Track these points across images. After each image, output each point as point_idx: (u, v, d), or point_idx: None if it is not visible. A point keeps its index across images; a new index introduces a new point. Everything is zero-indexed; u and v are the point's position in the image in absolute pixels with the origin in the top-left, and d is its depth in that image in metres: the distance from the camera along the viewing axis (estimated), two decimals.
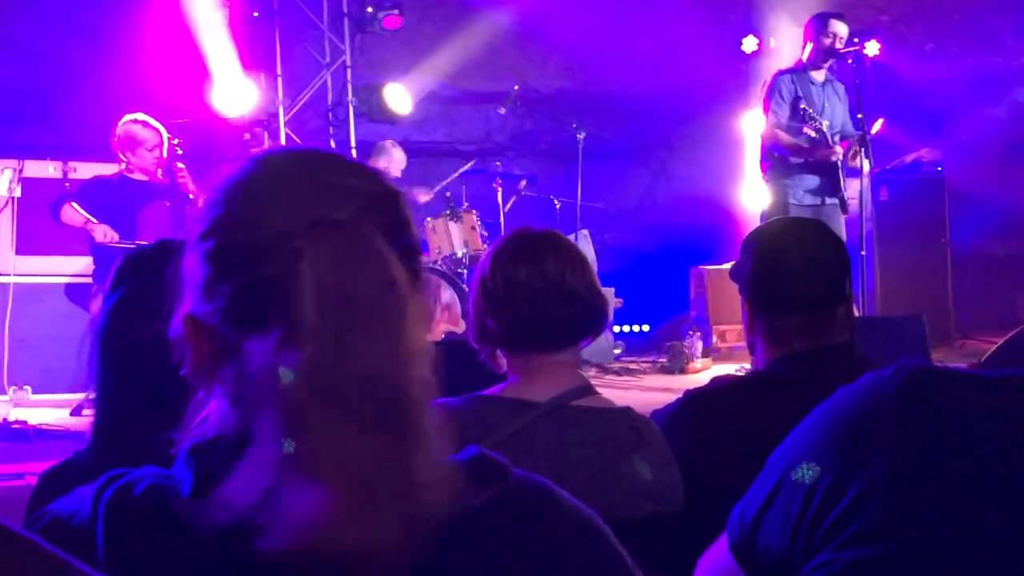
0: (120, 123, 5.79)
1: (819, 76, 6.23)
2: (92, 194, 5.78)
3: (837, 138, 6.18)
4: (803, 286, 1.94)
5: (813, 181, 6.14)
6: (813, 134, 6.02)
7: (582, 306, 1.86)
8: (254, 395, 0.82)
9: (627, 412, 1.91)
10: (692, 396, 2.08)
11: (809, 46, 6.22)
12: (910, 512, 0.94)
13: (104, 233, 5.64)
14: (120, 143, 5.77)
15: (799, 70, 6.24)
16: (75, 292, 6.40)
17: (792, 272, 1.95)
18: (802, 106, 6.05)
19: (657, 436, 1.89)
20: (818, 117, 6.04)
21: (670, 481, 1.84)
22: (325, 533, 0.75)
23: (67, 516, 0.87)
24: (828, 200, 6.14)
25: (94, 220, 5.65)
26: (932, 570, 0.94)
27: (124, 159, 5.76)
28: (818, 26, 6.17)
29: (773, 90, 6.20)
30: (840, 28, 6.13)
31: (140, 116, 5.82)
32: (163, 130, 5.79)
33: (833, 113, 6.25)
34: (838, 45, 6.12)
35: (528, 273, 1.82)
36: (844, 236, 5.60)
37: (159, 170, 5.77)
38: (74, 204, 5.74)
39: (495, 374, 2.15)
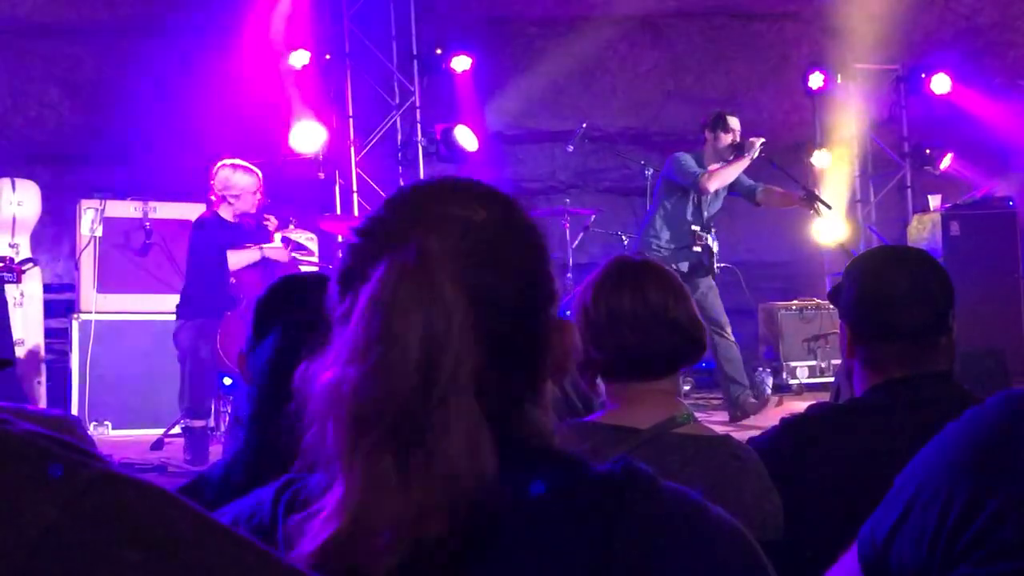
0: (218, 167, 5.85)
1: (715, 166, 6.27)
2: (219, 234, 5.83)
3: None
4: (908, 315, 1.91)
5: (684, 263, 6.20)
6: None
7: (683, 335, 1.87)
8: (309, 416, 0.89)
9: (727, 440, 1.92)
10: (789, 423, 2.08)
11: (709, 144, 6.35)
12: None
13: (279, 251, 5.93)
14: (220, 187, 5.81)
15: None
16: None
17: (897, 300, 1.92)
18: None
19: (756, 463, 1.89)
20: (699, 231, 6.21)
21: (771, 508, 1.85)
22: (338, 541, 0.81)
23: (247, 516, 0.93)
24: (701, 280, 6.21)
25: (262, 246, 5.83)
26: None
27: (229, 201, 5.81)
28: (715, 127, 6.31)
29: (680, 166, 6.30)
30: (735, 123, 6.32)
31: (238, 161, 5.88)
32: (259, 173, 5.89)
33: (714, 199, 6.39)
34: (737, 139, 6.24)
35: (632, 301, 1.83)
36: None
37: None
38: (230, 252, 5.76)
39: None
